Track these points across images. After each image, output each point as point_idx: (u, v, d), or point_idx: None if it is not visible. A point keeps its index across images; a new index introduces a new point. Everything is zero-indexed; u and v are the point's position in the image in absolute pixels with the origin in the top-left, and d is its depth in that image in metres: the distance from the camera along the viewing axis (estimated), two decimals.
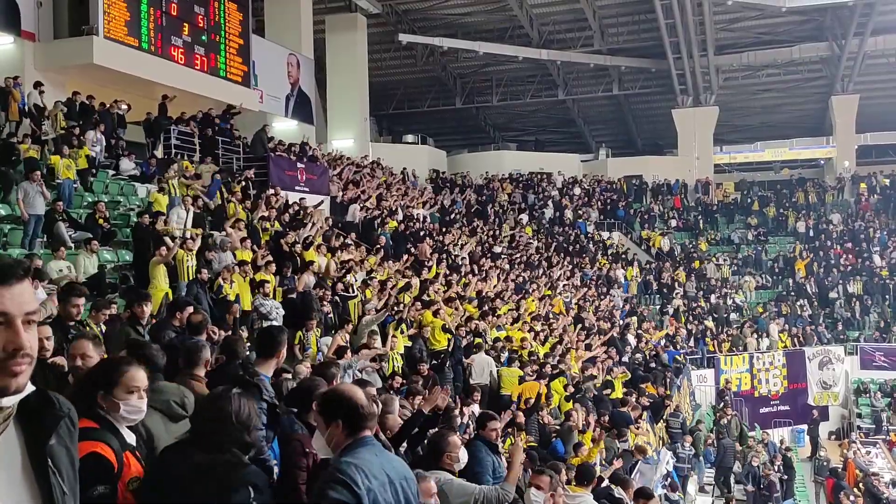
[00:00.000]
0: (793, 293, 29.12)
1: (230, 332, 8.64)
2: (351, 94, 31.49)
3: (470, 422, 9.61)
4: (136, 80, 18.75)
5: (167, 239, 11.81)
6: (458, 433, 6.02)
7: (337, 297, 12.90)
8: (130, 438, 2.74)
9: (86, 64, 17.66)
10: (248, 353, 6.23)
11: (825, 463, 20.11)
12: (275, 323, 10.74)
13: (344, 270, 14.11)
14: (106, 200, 14.23)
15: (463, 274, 18.97)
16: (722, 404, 22.06)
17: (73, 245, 12.05)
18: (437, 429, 5.84)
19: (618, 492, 8.63)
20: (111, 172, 15.80)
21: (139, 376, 2.75)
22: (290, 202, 17.65)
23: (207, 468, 2.55)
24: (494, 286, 19.49)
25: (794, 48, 33.98)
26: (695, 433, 18.36)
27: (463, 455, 5.12)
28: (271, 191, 17.61)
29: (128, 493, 2.55)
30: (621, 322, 22.48)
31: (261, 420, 4.15)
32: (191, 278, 11.34)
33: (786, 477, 18.61)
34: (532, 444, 10.75)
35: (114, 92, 18.12)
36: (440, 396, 5.93)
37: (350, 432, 2.86)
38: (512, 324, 16.67)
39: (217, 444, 2.62)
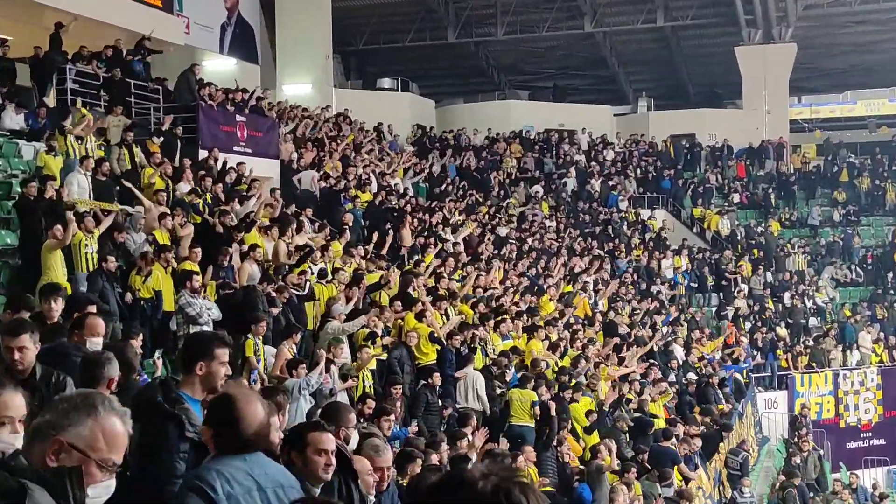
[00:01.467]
0: (891, 292, 29.24)
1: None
2: (308, 24, 31.27)
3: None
4: (18, 2, 18.51)
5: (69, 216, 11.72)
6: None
7: (292, 294, 12.87)
8: None
9: None
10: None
11: None
12: (206, 328, 10.70)
13: (298, 259, 14.06)
14: None
15: (457, 265, 18.96)
16: (797, 437, 22.16)
17: None
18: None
19: None
20: None
21: (14, 403, 2.70)
22: (227, 167, 17.55)
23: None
24: (499, 281, 19.49)
25: None
26: (787, 491, 18.32)
27: None
28: (203, 152, 17.49)
29: None
30: (665, 329, 22.53)
31: (178, 467, 4.10)
32: (93, 268, 11.26)
33: None
34: (548, 488, 10.77)
35: None
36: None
37: (220, 443, 3.31)
38: (522, 331, 16.68)
39: None
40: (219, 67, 27.04)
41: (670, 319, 23.75)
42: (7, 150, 15.41)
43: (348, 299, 13.39)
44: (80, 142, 14.87)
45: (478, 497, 1.78)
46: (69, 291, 10.60)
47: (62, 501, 2.37)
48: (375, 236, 17.65)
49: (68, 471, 2.41)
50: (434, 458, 8.55)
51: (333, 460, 4.42)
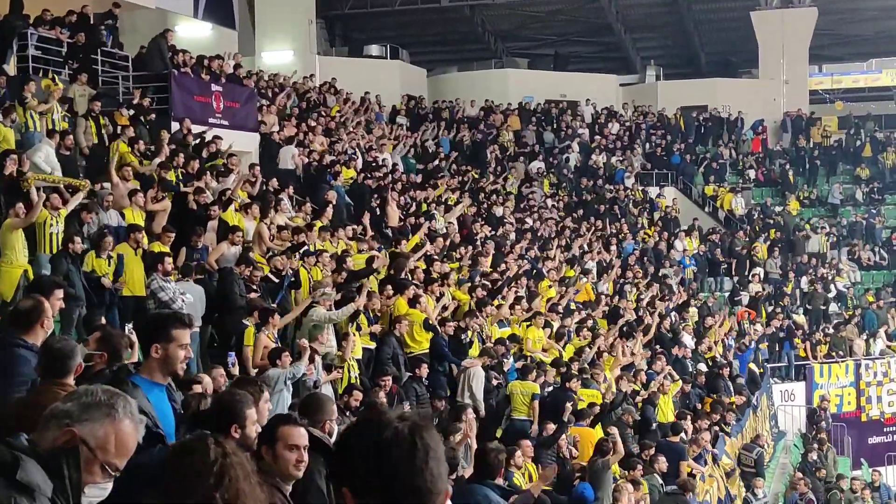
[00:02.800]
0: None
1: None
2: None
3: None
4: None
5: (33, 191, 11.69)
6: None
7: (271, 276, 12.88)
8: None
9: None
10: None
11: None
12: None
13: (290, 247, 14.00)
14: None
15: (449, 245, 18.98)
16: (815, 432, 22.26)
17: None
18: None
19: None
20: None
21: None
22: (204, 141, 17.49)
23: None
24: (500, 267, 19.53)
25: None
26: (831, 494, 18.36)
27: None
28: (175, 124, 17.44)
29: None
30: (674, 315, 22.59)
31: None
32: (57, 250, 11.26)
33: None
34: (546, 487, 10.83)
35: None
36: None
37: None
38: (523, 318, 16.73)
39: None
40: (192, 33, 26.92)
41: (677, 304, 23.77)
42: None
43: (335, 284, 13.36)
44: (41, 115, 14.81)
45: (397, 436, 2.09)
46: (31, 274, 10.63)
47: (57, 481, 2.49)
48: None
49: (65, 452, 2.53)
50: None
51: (306, 456, 4.44)
